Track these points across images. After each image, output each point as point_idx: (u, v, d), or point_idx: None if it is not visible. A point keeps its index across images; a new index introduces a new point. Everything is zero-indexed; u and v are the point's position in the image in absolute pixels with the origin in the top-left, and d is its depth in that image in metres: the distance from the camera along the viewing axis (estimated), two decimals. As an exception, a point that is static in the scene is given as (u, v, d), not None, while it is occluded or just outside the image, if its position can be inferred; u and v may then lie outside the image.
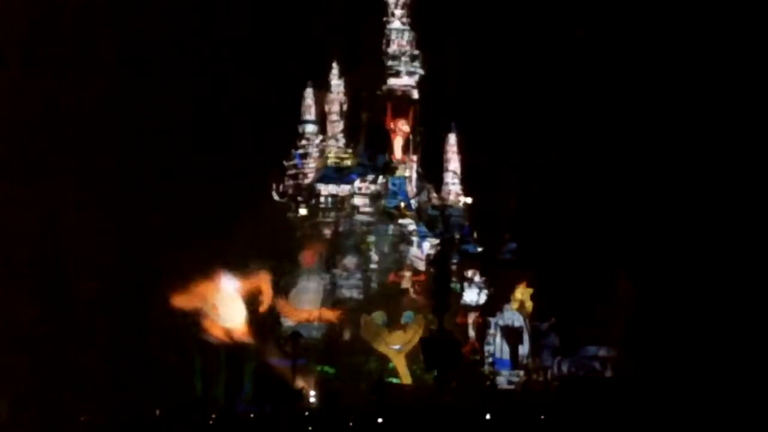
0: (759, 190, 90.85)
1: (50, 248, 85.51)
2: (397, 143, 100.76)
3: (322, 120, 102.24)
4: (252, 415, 77.45)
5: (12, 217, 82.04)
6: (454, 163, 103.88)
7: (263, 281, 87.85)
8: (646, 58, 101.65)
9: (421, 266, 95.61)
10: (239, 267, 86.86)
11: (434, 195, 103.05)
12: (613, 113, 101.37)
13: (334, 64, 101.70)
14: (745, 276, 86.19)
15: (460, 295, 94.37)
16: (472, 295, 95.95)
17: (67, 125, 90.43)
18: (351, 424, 69.44)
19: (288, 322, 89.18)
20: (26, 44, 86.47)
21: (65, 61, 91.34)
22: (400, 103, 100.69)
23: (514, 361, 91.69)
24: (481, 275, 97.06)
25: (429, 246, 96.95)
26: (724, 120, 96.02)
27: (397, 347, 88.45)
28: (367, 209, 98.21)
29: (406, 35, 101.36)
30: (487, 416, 68.15)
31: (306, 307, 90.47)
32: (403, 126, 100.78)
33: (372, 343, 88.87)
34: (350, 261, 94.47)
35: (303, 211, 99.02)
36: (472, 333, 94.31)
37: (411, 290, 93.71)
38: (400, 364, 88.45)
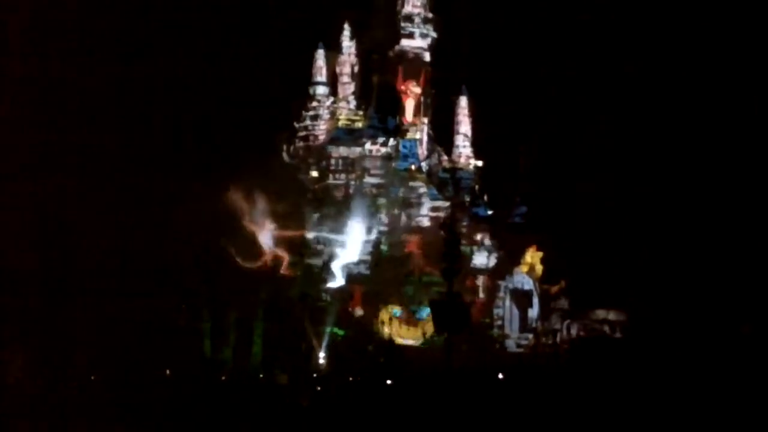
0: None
1: (59, 207, 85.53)
2: (408, 105, 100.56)
3: (333, 82, 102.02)
4: (261, 376, 77.72)
5: (21, 174, 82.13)
6: (464, 126, 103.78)
7: None
8: (659, 20, 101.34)
9: (431, 229, 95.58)
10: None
11: (445, 158, 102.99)
12: (626, 76, 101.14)
13: (346, 26, 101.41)
14: (755, 241, 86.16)
15: (470, 258, 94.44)
16: (482, 258, 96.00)
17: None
18: (360, 385, 69.60)
19: None
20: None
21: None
22: (412, 65, 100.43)
23: (524, 325, 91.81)
24: (491, 238, 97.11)
25: (439, 209, 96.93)
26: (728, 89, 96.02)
27: (408, 342, 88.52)
28: (378, 171, 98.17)
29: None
30: (500, 375, 68.20)
31: None
32: (414, 88, 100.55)
33: (385, 335, 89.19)
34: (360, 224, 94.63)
35: (314, 173, 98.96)
36: (482, 295, 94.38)
37: (420, 253, 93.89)
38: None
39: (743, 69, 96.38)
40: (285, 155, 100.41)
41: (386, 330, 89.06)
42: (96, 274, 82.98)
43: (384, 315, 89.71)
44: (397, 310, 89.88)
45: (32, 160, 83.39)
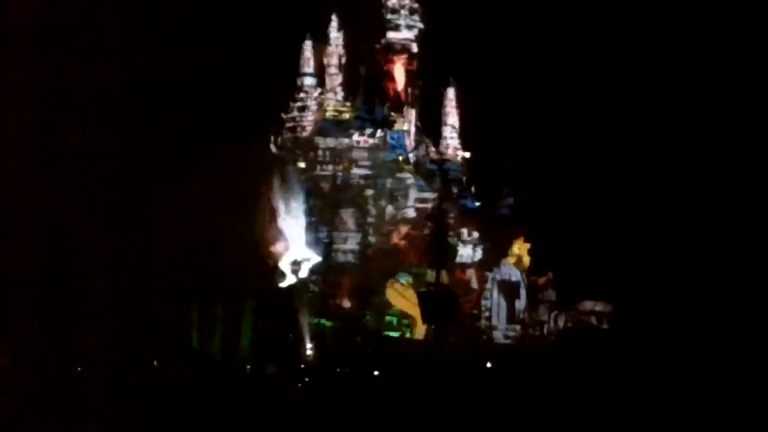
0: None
1: (49, 198, 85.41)
2: (395, 97, 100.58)
3: (320, 73, 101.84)
4: (248, 368, 77.76)
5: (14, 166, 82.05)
6: (452, 117, 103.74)
7: None
8: (649, 10, 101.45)
9: (419, 220, 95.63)
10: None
11: (432, 149, 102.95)
12: (614, 67, 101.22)
13: (333, 17, 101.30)
14: (741, 232, 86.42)
15: (457, 250, 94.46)
16: (469, 251, 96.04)
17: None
18: (346, 377, 69.72)
19: None
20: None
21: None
22: (399, 56, 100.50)
23: (511, 316, 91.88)
24: (479, 230, 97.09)
25: (427, 200, 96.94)
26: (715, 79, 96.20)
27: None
28: (366, 163, 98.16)
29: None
30: (488, 364, 68.40)
31: None
32: (401, 80, 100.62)
33: (398, 305, 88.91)
34: (348, 215, 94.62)
35: (301, 164, 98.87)
36: (475, 286, 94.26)
37: (408, 244, 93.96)
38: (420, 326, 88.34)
39: (729, 69, 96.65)
40: (273, 146, 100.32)
41: (397, 301, 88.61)
42: (86, 267, 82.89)
43: (391, 288, 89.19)
44: (403, 277, 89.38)
45: (30, 159, 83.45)
